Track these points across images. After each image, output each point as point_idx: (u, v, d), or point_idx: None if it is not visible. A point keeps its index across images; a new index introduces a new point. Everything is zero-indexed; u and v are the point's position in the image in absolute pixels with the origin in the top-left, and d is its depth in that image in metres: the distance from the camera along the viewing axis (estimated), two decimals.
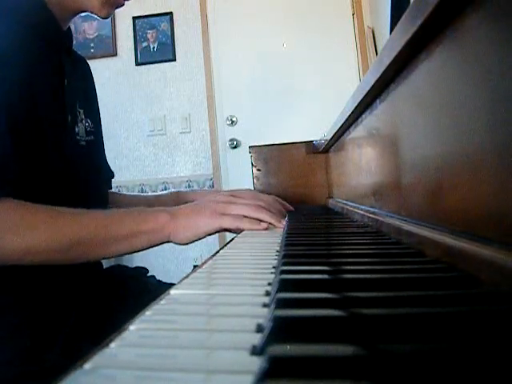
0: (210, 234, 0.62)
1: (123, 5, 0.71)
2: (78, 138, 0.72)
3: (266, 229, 0.62)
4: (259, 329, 0.21)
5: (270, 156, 1.25)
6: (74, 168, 0.68)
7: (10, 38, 0.59)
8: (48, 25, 0.67)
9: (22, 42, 0.61)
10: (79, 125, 0.73)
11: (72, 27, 0.75)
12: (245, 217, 0.61)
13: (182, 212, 0.61)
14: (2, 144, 0.54)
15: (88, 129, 0.75)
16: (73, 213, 0.57)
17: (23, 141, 0.57)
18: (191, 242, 0.61)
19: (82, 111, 0.74)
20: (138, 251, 0.60)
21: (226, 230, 0.62)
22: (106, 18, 0.71)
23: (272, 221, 0.63)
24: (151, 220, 0.59)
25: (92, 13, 0.69)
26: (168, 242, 0.61)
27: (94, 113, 0.80)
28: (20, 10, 0.63)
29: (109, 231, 0.57)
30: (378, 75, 0.48)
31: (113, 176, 0.90)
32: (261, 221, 0.63)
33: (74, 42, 0.78)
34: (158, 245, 0.61)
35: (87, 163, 0.73)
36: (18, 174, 0.56)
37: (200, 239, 0.62)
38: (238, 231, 0.66)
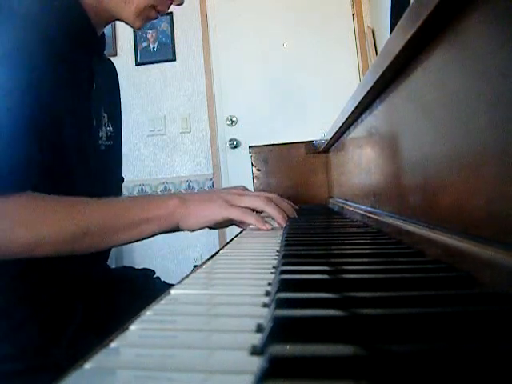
0: (216, 227, 0.62)
1: (157, 18, 0.72)
2: (100, 142, 0.72)
3: (270, 229, 0.62)
4: (259, 329, 0.21)
5: (269, 156, 1.25)
6: (91, 171, 0.69)
7: (43, 39, 0.59)
8: (83, 28, 0.67)
9: (55, 43, 0.61)
10: (102, 129, 0.73)
11: (104, 31, 0.75)
12: (253, 211, 0.61)
13: (192, 198, 0.61)
14: (26, 140, 0.55)
15: (109, 133, 0.75)
16: (83, 202, 0.58)
17: (46, 140, 0.58)
18: (199, 229, 0.61)
19: (105, 115, 0.74)
20: (148, 237, 0.60)
21: (232, 221, 0.62)
22: (139, 29, 0.71)
23: (279, 217, 0.63)
24: (161, 206, 0.59)
25: (126, 23, 0.70)
26: (177, 230, 0.61)
27: (115, 118, 0.80)
28: (57, 11, 0.63)
29: (119, 219, 0.57)
30: (378, 75, 0.48)
31: (123, 180, 0.90)
32: (266, 217, 0.63)
33: None
34: (167, 232, 0.61)
35: (103, 167, 0.73)
36: (40, 172, 0.56)
37: (209, 227, 0.62)
38: (244, 226, 0.66)
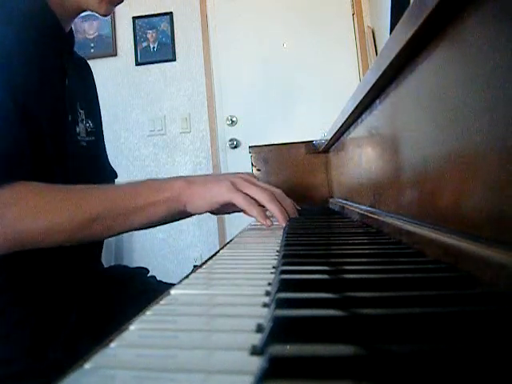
0: (220, 212, 0.61)
1: (121, 1, 0.71)
2: (79, 138, 0.72)
3: (271, 226, 0.62)
4: (259, 329, 0.21)
5: (269, 156, 1.25)
6: (74, 167, 0.68)
7: (12, 40, 0.59)
8: (50, 27, 0.67)
9: (24, 44, 0.61)
10: (80, 125, 0.73)
11: (72, 27, 0.75)
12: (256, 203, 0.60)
13: (198, 180, 0.60)
14: (14, 131, 0.55)
15: (89, 129, 0.75)
16: (89, 188, 0.58)
17: (26, 135, 0.58)
18: (206, 211, 0.60)
19: (82, 112, 0.74)
20: (157, 223, 0.60)
21: (234, 208, 0.61)
22: (106, 16, 0.70)
23: (279, 216, 0.62)
24: (168, 188, 0.58)
25: (92, 11, 0.69)
26: (184, 215, 0.60)
27: (94, 114, 0.80)
28: (23, 12, 0.63)
29: (127, 203, 0.57)
30: (378, 75, 0.48)
31: (116, 176, 0.90)
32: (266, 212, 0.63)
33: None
34: (175, 218, 0.60)
35: (88, 163, 0.73)
36: (31, 160, 0.56)
37: (212, 213, 0.62)
38: (247, 214, 0.66)
